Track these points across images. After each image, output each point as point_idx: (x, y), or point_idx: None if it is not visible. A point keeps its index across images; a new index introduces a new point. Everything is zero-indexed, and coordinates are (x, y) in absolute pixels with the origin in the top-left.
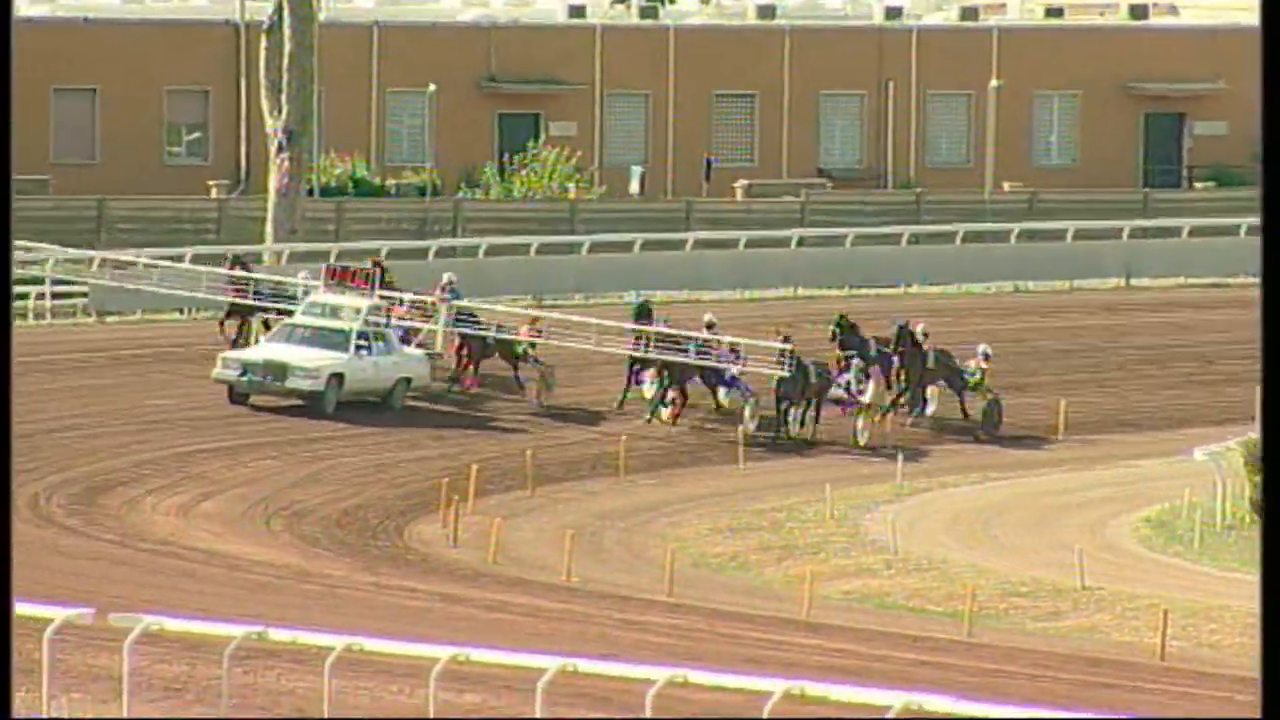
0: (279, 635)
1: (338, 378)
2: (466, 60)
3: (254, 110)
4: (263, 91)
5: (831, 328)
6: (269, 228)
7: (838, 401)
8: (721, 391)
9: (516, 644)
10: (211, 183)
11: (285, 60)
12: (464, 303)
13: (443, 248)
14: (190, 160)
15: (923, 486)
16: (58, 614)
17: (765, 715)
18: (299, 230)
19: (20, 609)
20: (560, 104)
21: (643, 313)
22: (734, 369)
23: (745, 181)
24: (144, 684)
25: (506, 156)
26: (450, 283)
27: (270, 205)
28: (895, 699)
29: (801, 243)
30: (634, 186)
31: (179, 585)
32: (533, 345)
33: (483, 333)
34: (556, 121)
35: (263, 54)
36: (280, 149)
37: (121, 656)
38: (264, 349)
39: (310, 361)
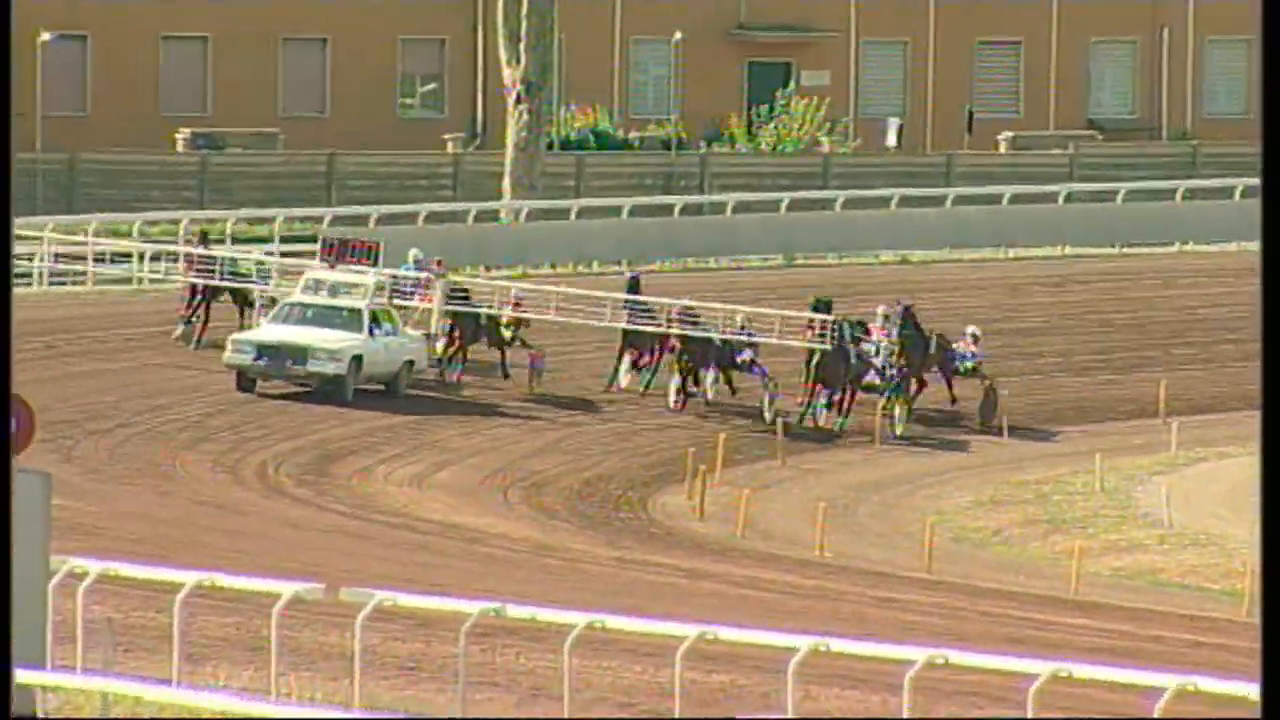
0: (517, 612)
1: (357, 360)
2: (714, 6)
3: (492, 60)
4: (501, 41)
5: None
6: (507, 183)
7: (869, 389)
8: (710, 378)
9: (766, 622)
10: (447, 136)
11: (524, 8)
12: (458, 278)
13: (688, 205)
14: (425, 113)
15: (1198, 456)
16: (286, 589)
17: (1030, 698)
18: (538, 186)
19: (248, 584)
20: (813, 52)
21: (633, 289)
22: (748, 352)
23: (1010, 133)
24: (376, 662)
25: (755, 108)
26: (421, 260)
27: (508, 160)
28: (1169, 681)
29: (1070, 198)
30: (891, 139)
31: (413, 559)
32: (519, 325)
33: (476, 310)
34: (809, 70)
35: (501, 1)
36: (519, 101)
37: (353, 633)
38: (275, 331)
39: (332, 343)
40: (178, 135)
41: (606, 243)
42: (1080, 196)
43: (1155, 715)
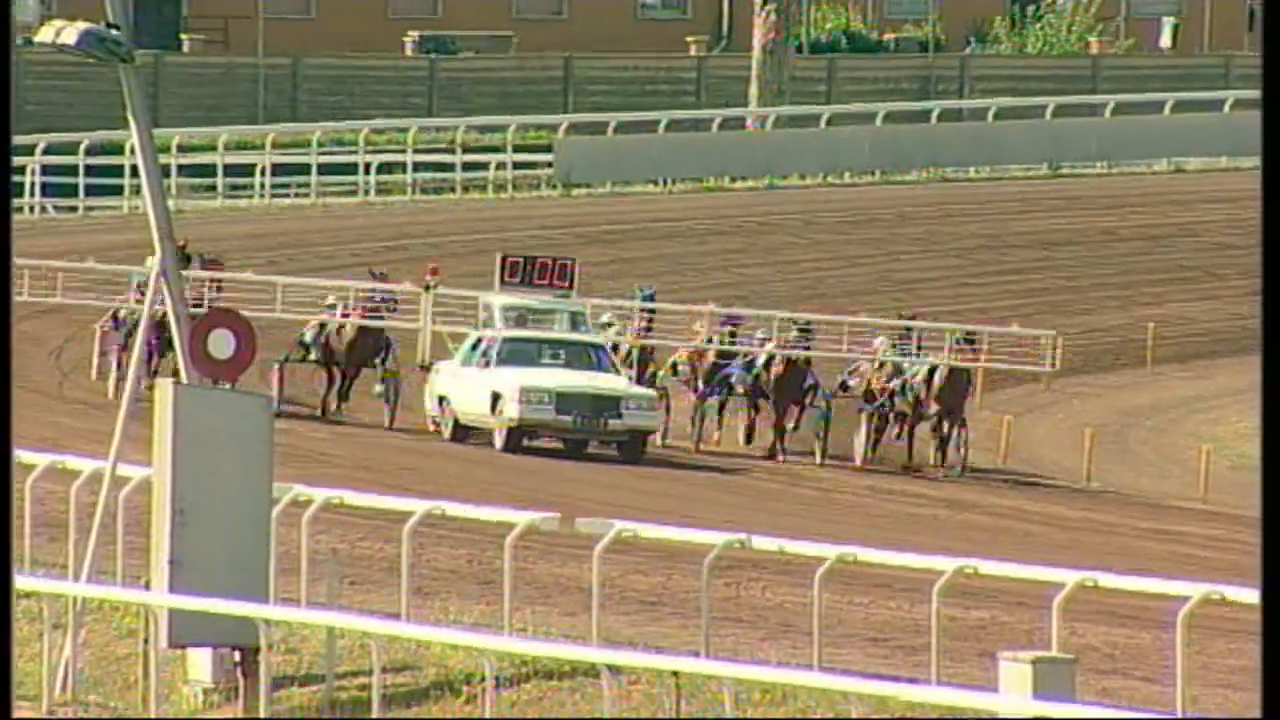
0: (764, 544)
1: None
2: None
3: None
4: None
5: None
6: (753, 89)
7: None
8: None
9: (1030, 556)
10: (690, 39)
11: None
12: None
13: (946, 110)
14: (666, 14)
15: None
16: (521, 519)
17: None
18: (786, 92)
19: (480, 513)
20: None
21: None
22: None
23: None
24: (615, 596)
25: (1020, 6)
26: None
27: (754, 63)
28: None
29: None
30: (1165, 39)
31: (653, 488)
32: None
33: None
34: None
35: None
36: (766, 1)
37: (591, 566)
38: (548, 375)
39: (641, 391)
40: (406, 39)
41: (859, 152)
42: None
43: None
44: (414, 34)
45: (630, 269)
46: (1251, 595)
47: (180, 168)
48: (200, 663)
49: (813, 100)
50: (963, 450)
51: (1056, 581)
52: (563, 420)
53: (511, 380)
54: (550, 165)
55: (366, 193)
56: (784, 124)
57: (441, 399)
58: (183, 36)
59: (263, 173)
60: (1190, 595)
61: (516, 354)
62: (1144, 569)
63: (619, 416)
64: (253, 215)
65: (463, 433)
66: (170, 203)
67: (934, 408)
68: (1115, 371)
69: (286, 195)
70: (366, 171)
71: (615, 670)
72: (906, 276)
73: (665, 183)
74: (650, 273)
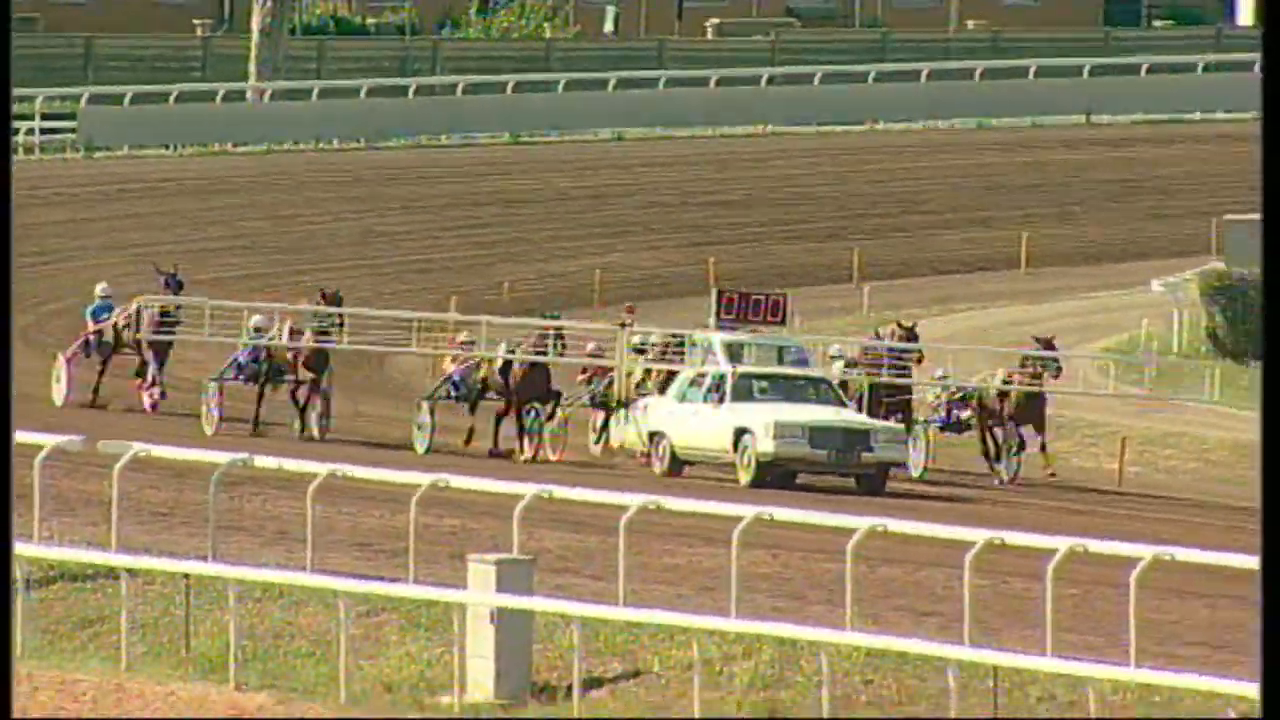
0: (264, 462)
1: None
2: None
3: None
4: None
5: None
6: (252, 67)
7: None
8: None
9: (496, 474)
10: (196, 21)
11: None
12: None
13: (421, 86)
14: None
15: (888, 318)
16: (48, 441)
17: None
18: (281, 69)
19: (14, 437)
20: None
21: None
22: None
23: (717, 20)
24: (132, 509)
25: None
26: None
27: (253, 44)
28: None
29: (771, 81)
30: (608, 26)
31: (168, 417)
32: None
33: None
34: None
35: None
36: None
37: (111, 482)
38: (797, 410)
39: (884, 424)
40: None
41: (346, 122)
42: (780, 79)
43: None
44: None
45: (146, 222)
46: (685, 503)
47: None
48: None
49: (305, 76)
50: (1017, 462)
51: (517, 494)
52: (817, 454)
53: (761, 416)
54: (74, 131)
55: None
56: (280, 97)
57: (654, 435)
58: None
59: None
60: (630, 505)
61: (740, 390)
62: (594, 484)
63: (870, 450)
64: None
65: (679, 467)
66: None
67: (1010, 422)
68: (571, 310)
69: None
70: None
71: (133, 573)
72: (387, 230)
73: (176, 147)
74: (161, 226)
